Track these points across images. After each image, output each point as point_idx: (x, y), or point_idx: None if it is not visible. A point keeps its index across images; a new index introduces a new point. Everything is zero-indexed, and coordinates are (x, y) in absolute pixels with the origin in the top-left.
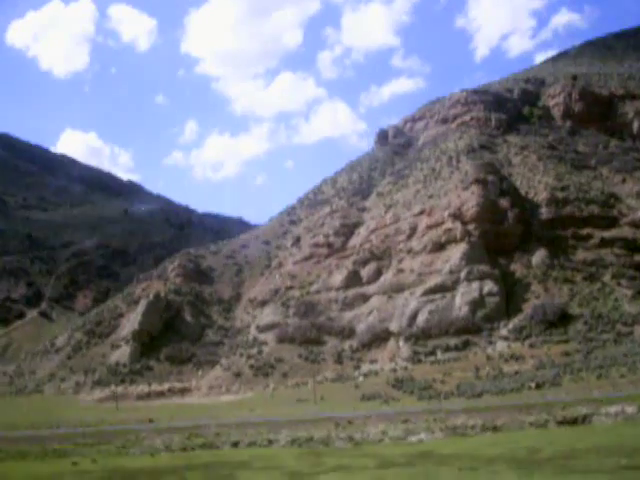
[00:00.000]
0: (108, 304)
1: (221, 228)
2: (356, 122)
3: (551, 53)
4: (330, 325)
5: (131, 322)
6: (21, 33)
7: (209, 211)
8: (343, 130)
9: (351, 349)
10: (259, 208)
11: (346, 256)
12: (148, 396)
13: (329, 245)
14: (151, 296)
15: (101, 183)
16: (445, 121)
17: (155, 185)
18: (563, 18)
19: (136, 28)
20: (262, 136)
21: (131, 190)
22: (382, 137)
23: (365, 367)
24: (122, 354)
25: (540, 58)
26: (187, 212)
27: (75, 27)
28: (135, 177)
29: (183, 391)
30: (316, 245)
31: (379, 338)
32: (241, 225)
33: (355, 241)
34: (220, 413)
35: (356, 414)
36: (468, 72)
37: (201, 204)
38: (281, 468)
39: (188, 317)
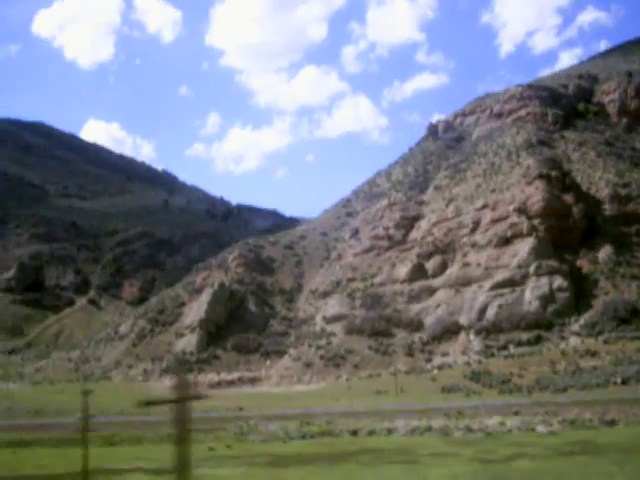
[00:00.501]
0: (169, 292)
1: (259, 219)
2: (378, 117)
3: (576, 51)
4: (398, 317)
5: (195, 311)
6: (47, 23)
7: (243, 202)
8: (365, 125)
9: (421, 342)
10: (283, 201)
11: (407, 249)
12: (219, 385)
13: (389, 238)
14: (216, 285)
15: (136, 172)
16: (499, 116)
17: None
18: (589, 16)
19: (161, 19)
20: (284, 130)
21: (166, 180)
22: (432, 131)
23: (437, 360)
24: (188, 343)
25: (565, 56)
26: (223, 203)
27: (101, 18)
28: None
29: (253, 380)
30: (376, 237)
31: (449, 331)
32: (276, 217)
33: (416, 234)
34: (301, 403)
35: (451, 405)
36: (492, 69)
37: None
38: (456, 456)
39: (252, 307)
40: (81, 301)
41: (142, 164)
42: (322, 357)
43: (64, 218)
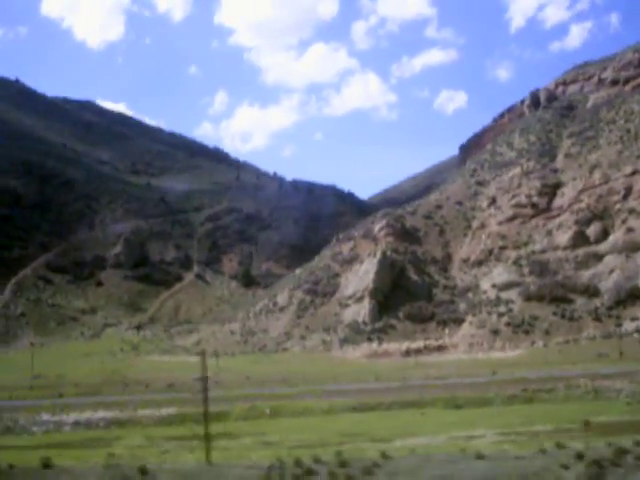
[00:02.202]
0: (316, 263)
1: (328, 195)
2: (387, 93)
3: (587, 25)
4: (572, 284)
5: (358, 281)
6: (56, 3)
7: (298, 178)
8: (374, 101)
9: (604, 307)
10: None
11: (553, 216)
12: (407, 353)
13: (533, 205)
14: (378, 255)
15: (192, 149)
16: (615, 83)
17: None
18: None
19: None
20: (292, 107)
21: (219, 157)
22: (534, 100)
23: (629, 324)
24: (357, 312)
25: (575, 29)
26: (276, 179)
27: None
28: None
29: (440, 348)
30: (518, 205)
31: (632, 296)
32: (335, 191)
33: (561, 201)
34: (524, 368)
35: None
36: (502, 43)
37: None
38: None
39: (413, 276)
40: (188, 276)
41: (193, 141)
42: (508, 324)
43: (147, 195)
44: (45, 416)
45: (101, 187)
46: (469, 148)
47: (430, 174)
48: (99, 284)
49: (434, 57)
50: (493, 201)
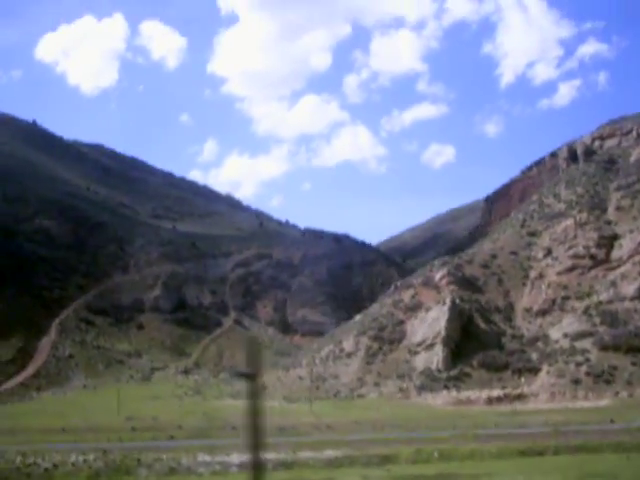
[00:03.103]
0: (377, 310)
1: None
2: (376, 146)
3: (575, 83)
4: None
5: (426, 328)
6: (51, 48)
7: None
8: (363, 154)
9: None
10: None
11: (613, 267)
12: (490, 401)
13: (591, 257)
14: (448, 302)
15: (207, 194)
16: None
17: None
18: (590, 48)
19: (166, 45)
20: (281, 157)
21: (232, 202)
22: (571, 153)
23: None
24: (429, 360)
25: (564, 87)
26: (290, 226)
27: (105, 43)
28: None
29: (520, 397)
30: (576, 257)
31: None
32: (349, 241)
33: (619, 253)
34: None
35: None
36: (492, 99)
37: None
38: None
39: (481, 324)
40: (227, 321)
41: (205, 187)
42: (588, 374)
43: (177, 239)
44: (203, 457)
45: (131, 230)
46: (496, 200)
47: (431, 225)
48: (140, 327)
49: (424, 111)
50: (549, 252)
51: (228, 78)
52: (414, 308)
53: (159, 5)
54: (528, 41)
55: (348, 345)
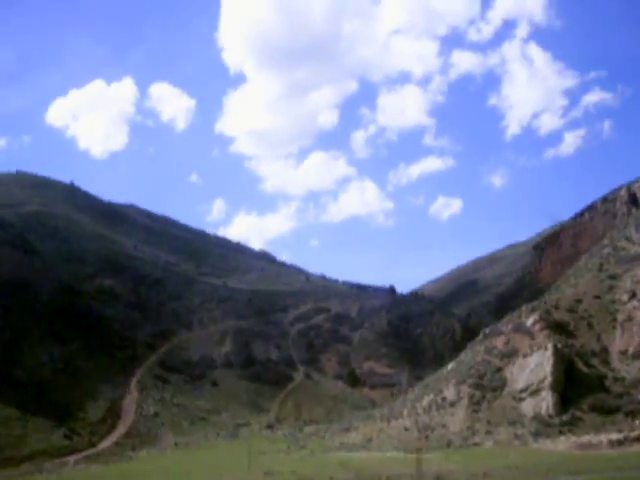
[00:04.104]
0: (469, 357)
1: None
2: (384, 201)
3: (580, 132)
4: None
5: (528, 374)
6: (61, 112)
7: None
8: (370, 209)
9: None
10: None
11: None
12: (611, 444)
13: None
14: (550, 348)
15: (243, 251)
16: None
17: None
18: (595, 97)
19: (176, 107)
20: (289, 215)
21: (268, 258)
22: (631, 196)
23: None
24: (536, 405)
25: (569, 137)
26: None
27: (115, 107)
28: None
29: (639, 439)
30: None
31: None
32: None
33: None
34: None
35: None
36: (498, 150)
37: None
38: None
39: (583, 368)
40: (297, 375)
41: (238, 244)
42: None
43: (234, 295)
44: None
45: (186, 287)
46: (545, 246)
47: (454, 276)
48: (214, 384)
49: (431, 165)
50: (633, 294)
51: (236, 137)
52: (510, 355)
53: (168, 67)
54: (533, 92)
55: (449, 394)
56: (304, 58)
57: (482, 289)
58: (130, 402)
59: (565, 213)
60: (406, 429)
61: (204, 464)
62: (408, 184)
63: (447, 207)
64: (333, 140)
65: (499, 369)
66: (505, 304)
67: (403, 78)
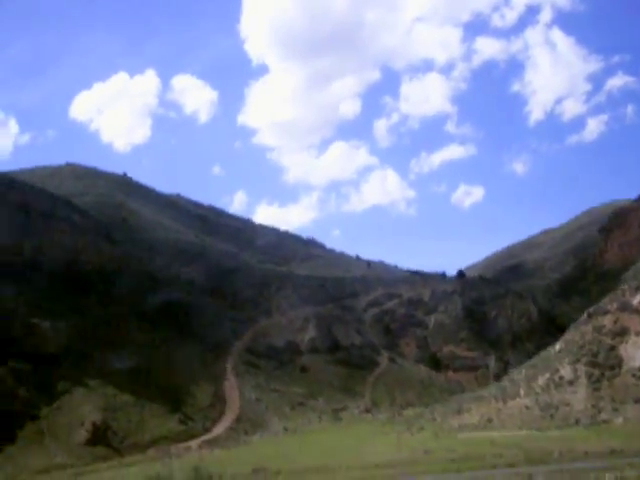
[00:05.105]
0: (576, 336)
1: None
2: (405, 189)
3: (603, 118)
4: None
5: None
6: (85, 106)
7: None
8: (392, 198)
9: None
10: None
11: None
12: None
13: None
14: None
15: (294, 238)
16: None
17: None
18: (618, 81)
19: (198, 99)
20: (311, 205)
21: (316, 245)
22: None
23: None
24: None
25: (592, 122)
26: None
27: (138, 100)
28: None
29: None
30: None
31: None
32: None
33: None
34: None
35: None
36: (520, 137)
37: None
38: None
39: None
40: (380, 360)
41: (286, 232)
42: None
43: (305, 283)
44: None
45: (257, 275)
46: (611, 229)
47: (491, 263)
48: (303, 369)
49: (452, 152)
50: None
51: (258, 129)
52: (621, 333)
53: (191, 59)
54: (556, 77)
55: (566, 373)
56: (326, 47)
57: (527, 274)
58: (230, 388)
59: (594, 198)
60: (527, 408)
61: (337, 446)
62: (430, 172)
63: (469, 195)
64: (355, 129)
65: (612, 347)
66: (570, 287)
67: (426, 66)
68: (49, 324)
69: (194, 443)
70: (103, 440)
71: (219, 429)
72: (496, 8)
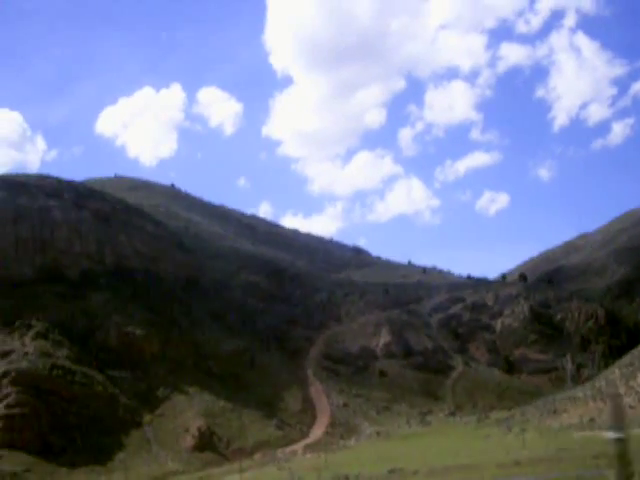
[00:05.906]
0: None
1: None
2: (430, 198)
3: (629, 122)
4: None
5: None
6: (111, 121)
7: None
8: (417, 206)
9: None
10: None
11: None
12: None
13: None
14: None
15: (343, 248)
16: None
17: None
18: None
19: (224, 112)
20: (336, 215)
21: (361, 251)
22: None
23: None
24: None
25: (617, 127)
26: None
27: (164, 114)
28: None
29: None
30: None
31: None
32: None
33: None
34: None
35: None
36: (545, 143)
37: None
38: None
39: None
40: (455, 364)
41: (331, 240)
42: None
43: (369, 289)
44: None
45: (322, 282)
46: None
47: (529, 267)
48: (382, 374)
49: (477, 160)
50: None
51: (283, 140)
52: None
53: (216, 72)
54: (581, 82)
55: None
56: (351, 57)
57: (571, 277)
58: (316, 393)
59: (625, 202)
60: (631, 407)
61: (450, 447)
62: (455, 180)
63: (493, 202)
64: (380, 139)
65: None
66: (630, 289)
67: (451, 73)
68: (142, 332)
69: (298, 447)
70: (209, 446)
71: (317, 433)
72: (521, 14)
